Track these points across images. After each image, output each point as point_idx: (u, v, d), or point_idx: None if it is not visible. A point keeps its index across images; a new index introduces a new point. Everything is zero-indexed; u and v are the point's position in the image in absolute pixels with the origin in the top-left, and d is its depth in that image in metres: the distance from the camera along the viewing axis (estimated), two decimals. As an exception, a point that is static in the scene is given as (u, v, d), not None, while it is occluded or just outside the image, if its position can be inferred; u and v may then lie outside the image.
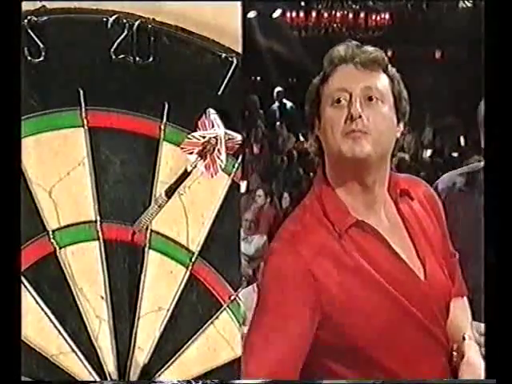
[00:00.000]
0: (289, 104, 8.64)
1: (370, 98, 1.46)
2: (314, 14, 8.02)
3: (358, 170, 1.46)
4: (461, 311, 1.57)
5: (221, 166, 1.69)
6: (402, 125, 1.51)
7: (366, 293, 1.43)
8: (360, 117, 1.43)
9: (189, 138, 1.70)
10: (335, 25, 7.93)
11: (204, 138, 1.69)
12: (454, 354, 1.52)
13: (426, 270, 1.50)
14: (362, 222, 1.47)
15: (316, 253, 1.42)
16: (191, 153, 1.70)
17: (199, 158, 1.70)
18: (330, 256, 1.41)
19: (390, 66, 1.50)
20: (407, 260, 1.49)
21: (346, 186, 1.48)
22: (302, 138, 7.37)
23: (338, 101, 1.46)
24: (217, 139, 1.69)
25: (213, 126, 1.68)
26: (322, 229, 1.45)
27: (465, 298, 1.60)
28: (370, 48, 1.50)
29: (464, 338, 1.53)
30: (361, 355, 1.43)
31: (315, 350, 1.43)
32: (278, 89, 8.71)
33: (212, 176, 1.71)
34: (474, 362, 1.50)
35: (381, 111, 1.46)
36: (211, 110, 1.69)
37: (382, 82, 1.48)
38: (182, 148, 1.71)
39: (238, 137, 1.70)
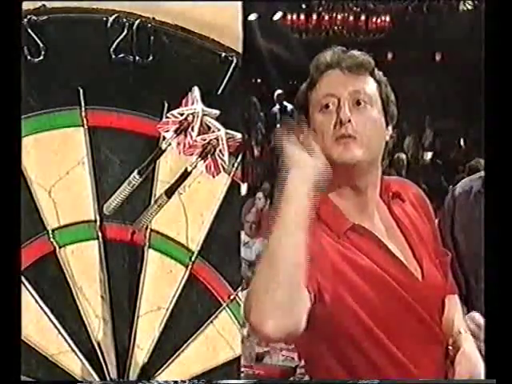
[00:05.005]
0: (289, 107, 8.65)
1: (359, 102, 1.46)
2: (314, 16, 8.03)
3: (349, 174, 1.45)
4: (454, 308, 1.57)
5: (223, 166, 1.69)
6: (390, 128, 1.51)
7: (365, 294, 1.43)
8: (349, 121, 1.43)
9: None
10: (336, 27, 7.93)
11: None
12: (450, 348, 1.53)
13: (423, 270, 1.50)
14: (358, 226, 1.46)
15: (313, 257, 1.41)
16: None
17: (199, 159, 1.70)
18: (328, 260, 1.40)
19: (376, 69, 1.50)
20: (404, 261, 1.49)
21: (338, 190, 1.47)
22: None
23: (327, 106, 1.46)
24: (217, 140, 1.69)
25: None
26: (318, 233, 1.43)
27: (456, 296, 1.61)
28: (356, 52, 1.50)
29: (460, 332, 1.53)
30: (356, 354, 1.43)
31: (315, 349, 1.43)
32: (279, 91, 8.72)
33: (214, 176, 1.71)
34: (470, 352, 1.51)
35: (370, 115, 1.46)
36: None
37: (370, 85, 1.48)
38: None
39: (238, 135, 1.70)
